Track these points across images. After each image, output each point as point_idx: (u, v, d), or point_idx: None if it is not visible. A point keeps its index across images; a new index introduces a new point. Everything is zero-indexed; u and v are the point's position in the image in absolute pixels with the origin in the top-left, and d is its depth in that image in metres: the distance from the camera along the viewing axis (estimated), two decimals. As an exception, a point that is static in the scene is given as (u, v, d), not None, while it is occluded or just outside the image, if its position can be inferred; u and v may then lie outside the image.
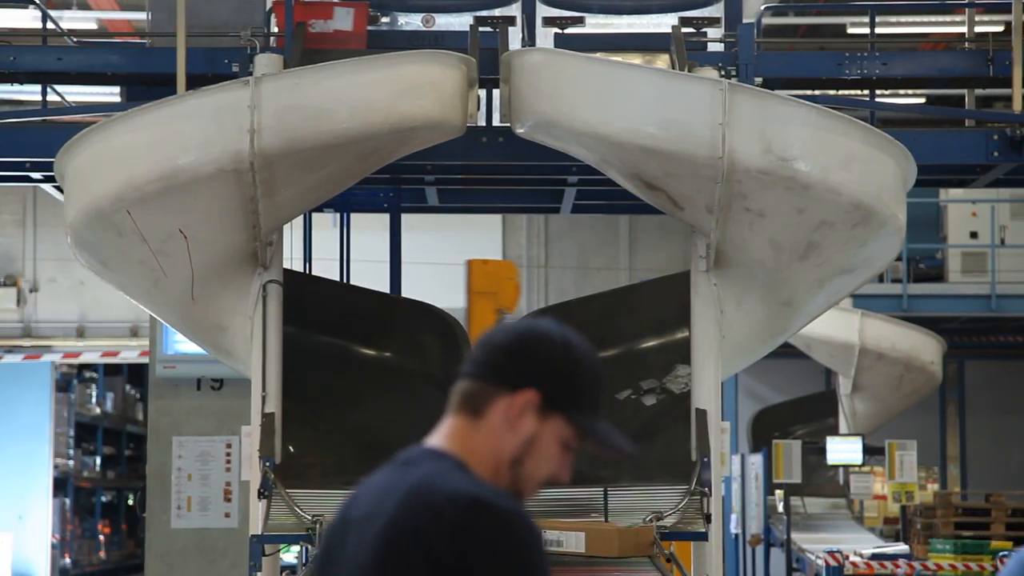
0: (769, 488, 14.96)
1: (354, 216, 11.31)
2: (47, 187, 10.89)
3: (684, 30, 9.17)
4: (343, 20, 8.88)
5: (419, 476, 2.66)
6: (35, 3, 11.93)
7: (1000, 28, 16.15)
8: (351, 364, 8.68)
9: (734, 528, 16.18)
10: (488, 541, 2.55)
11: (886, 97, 16.02)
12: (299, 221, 10.04)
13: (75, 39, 11.14)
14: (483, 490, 2.61)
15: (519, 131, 7.75)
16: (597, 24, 9.57)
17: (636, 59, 9.06)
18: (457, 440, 2.74)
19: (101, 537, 20.59)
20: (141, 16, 16.25)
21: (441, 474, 2.65)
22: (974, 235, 18.09)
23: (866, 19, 16.90)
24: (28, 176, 10.17)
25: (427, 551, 2.56)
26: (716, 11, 9.47)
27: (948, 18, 17.71)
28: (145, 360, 13.81)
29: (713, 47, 9.37)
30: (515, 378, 2.73)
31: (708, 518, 7.61)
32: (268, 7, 10.01)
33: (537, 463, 2.72)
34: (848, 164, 7.43)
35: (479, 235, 20.82)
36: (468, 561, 2.54)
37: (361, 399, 8.60)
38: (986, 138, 9.59)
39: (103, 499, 21.13)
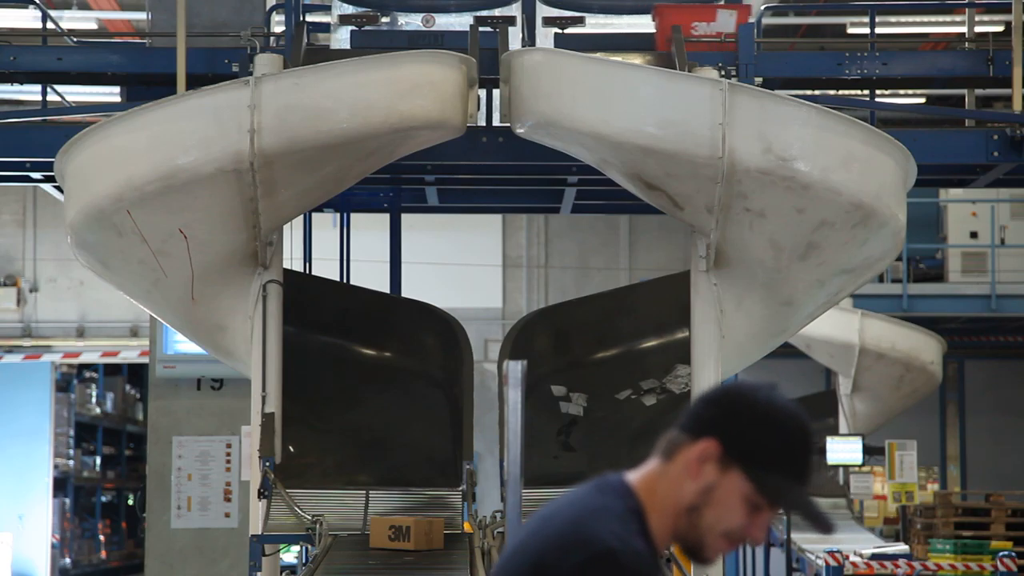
0: (769, 488, 14.93)
1: (354, 216, 11.31)
2: (47, 187, 10.89)
3: (684, 30, 9.17)
4: (726, 23, 8.89)
5: (587, 508, 2.67)
6: (35, 3, 11.93)
7: (1000, 28, 16.16)
8: (351, 364, 8.68)
9: (734, 528, 16.16)
10: None
11: (886, 97, 16.02)
12: (299, 221, 10.04)
13: (75, 39, 11.14)
14: (625, 544, 2.60)
15: (519, 131, 7.75)
16: (597, 24, 9.57)
17: (636, 59, 9.06)
18: (646, 479, 2.73)
19: (101, 537, 20.60)
20: (141, 16, 16.25)
21: (604, 513, 2.65)
22: (974, 235, 18.09)
23: (866, 19, 16.90)
24: (28, 176, 10.17)
25: (528, 565, 2.61)
26: (716, 11, 9.46)
27: (948, 18, 17.70)
28: (145, 360, 13.82)
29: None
30: (701, 426, 2.71)
31: (708, 518, 7.60)
32: (268, 7, 10.02)
33: (716, 515, 2.69)
34: (848, 164, 7.43)
35: (479, 235, 20.82)
36: None
37: (361, 399, 8.61)
38: (986, 138, 9.59)
39: (103, 499, 21.13)
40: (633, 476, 2.75)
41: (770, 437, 2.70)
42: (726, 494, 2.68)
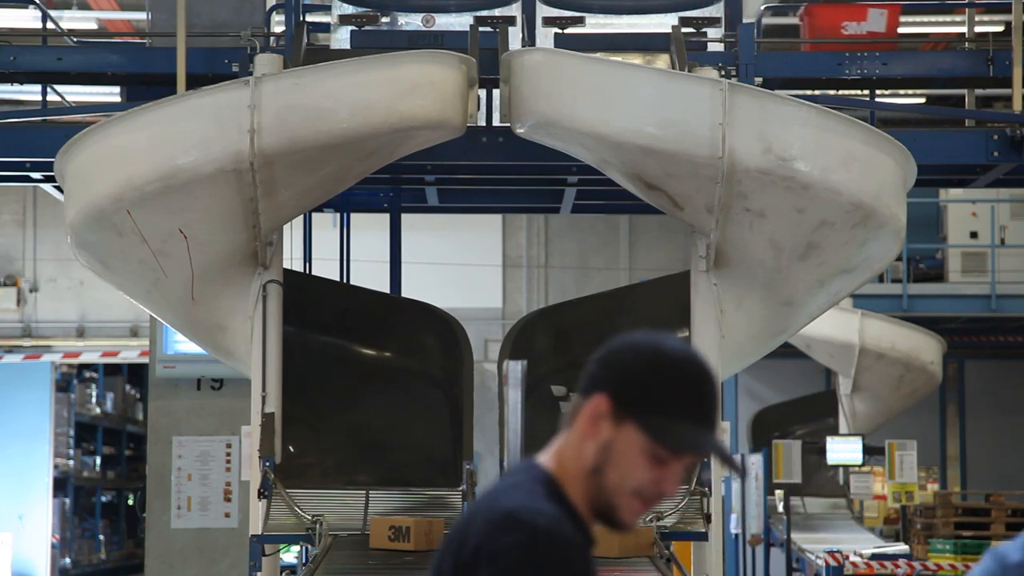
0: (769, 488, 14.95)
1: (354, 216, 11.31)
2: (47, 187, 10.89)
3: (684, 30, 9.17)
4: (877, 22, 8.84)
5: (496, 487, 2.68)
6: (35, 3, 11.93)
7: (1000, 28, 16.16)
8: (351, 364, 8.68)
9: (734, 528, 16.17)
10: (499, 552, 2.53)
11: (886, 97, 16.02)
12: (299, 221, 10.04)
13: (75, 39, 11.14)
14: (525, 505, 2.57)
15: (519, 131, 7.75)
16: (597, 24, 9.57)
17: (636, 59, 9.06)
18: (555, 452, 2.69)
19: (101, 537, 20.59)
20: (141, 16, 16.25)
21: (509, 487, 2.63)
22: (974, 235, 18.08)
23: (866, 19, 16.88)
24: (28, 176, 10.17)
25: (456, 557, 2.62)
26: (716, 11, 9.47)
27: (948, 18, 17.70)
28: (145, 360, 13.81)
29: (713, 47, 9.37)
30: (591, 384, 2.65)
31: (708, 518, 7.61)
32: (268, 7, 10.02)
33: (620, 473, 2.62)
34: (848, 164, 7.43)
35: (479, 235, 20.82)
36: (478, 568, 2.56)
37: (361, 399, 8.61)
38: (986, 138, 9.59)
39: (103, 499, 21.13)
40: (543, 453, 2.71)
41: (657, 382, 2.60)
42: (625, 449, 2.60)
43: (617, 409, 2.61)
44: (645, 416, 2.60)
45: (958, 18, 16.76)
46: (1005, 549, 2.74)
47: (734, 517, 16.13)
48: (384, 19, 9.46)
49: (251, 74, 8.07)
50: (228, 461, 11.49)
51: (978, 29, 11.61)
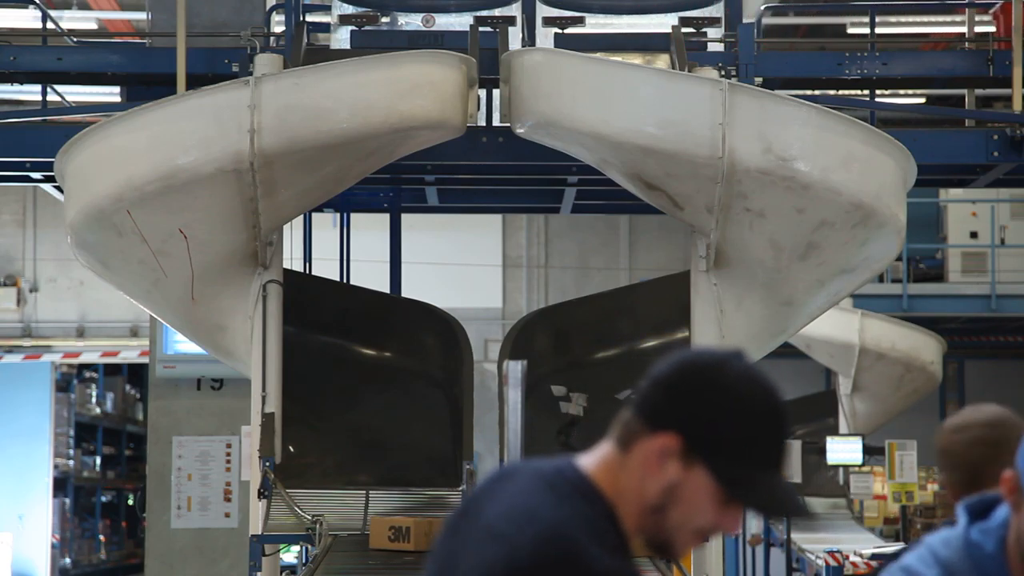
0: (769, 488, 14.92)
1: (354, 216, 11.31)
2: (47, 187, 10.89)
3: (684, 30, 9.17)
4: None
5: (561, 521, 2.39)
6: (35, 3, 11.93)
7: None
8: (351, 364, 8.68)
9: (734, 528, 16.15)
10: None
11: (886, 97, 16.02)
12: (299, 221, 10.04)
13: (75, 39, 11.14)
14: (597, 559, 2.36)
15: (519, 131, 7.75)
16: (597, 24, 9.57)
17: (636, 59, 9.06)
18: (609, 474, 2.47)
19: (101, 537, 20.59)
20: (141, 16, 16.25)
21: (580, 522, 2.40)
22: (974, 235, 18.08)
23: (866, 19, 16.90)
24: (28, 176, 10.17)
25: (511, 566, 2.37)
26: (716, 11, 9.47)
27: (948, 18, 17.70)
28: (145, 360, 13.81)
29: (713, 47, 9.37)
30: (659, 417, 2.42)
31: (708, 518, 7.60)
32: (268, 7, 10.02)
33: (684, 514, 2.43)
34: (848, 164, 7.43)
35: (479, 235, 20.82)
36: None
37: (361, 399, 8.60)
38: (986, 138, 9.59)
39: (103, 499, 21.13)
40: (591, 466, 2.48)
41: (736, 427, 2.41)
42: (692, 493, 2.42)
43: (687, 451, 2.41)
44: (717, 463, 2.41)
45: (958, 18, 16.76)
46: (910, 564, 2.64)
47: (734, 517, 16.12)
48: (384, 19, 9.46)
49: (251, 74, 8.07)
50: (228, 461, 11.49)
51: (978, 29, 11.60)
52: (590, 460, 2.50)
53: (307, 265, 10.75)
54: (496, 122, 8.46)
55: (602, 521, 2.42)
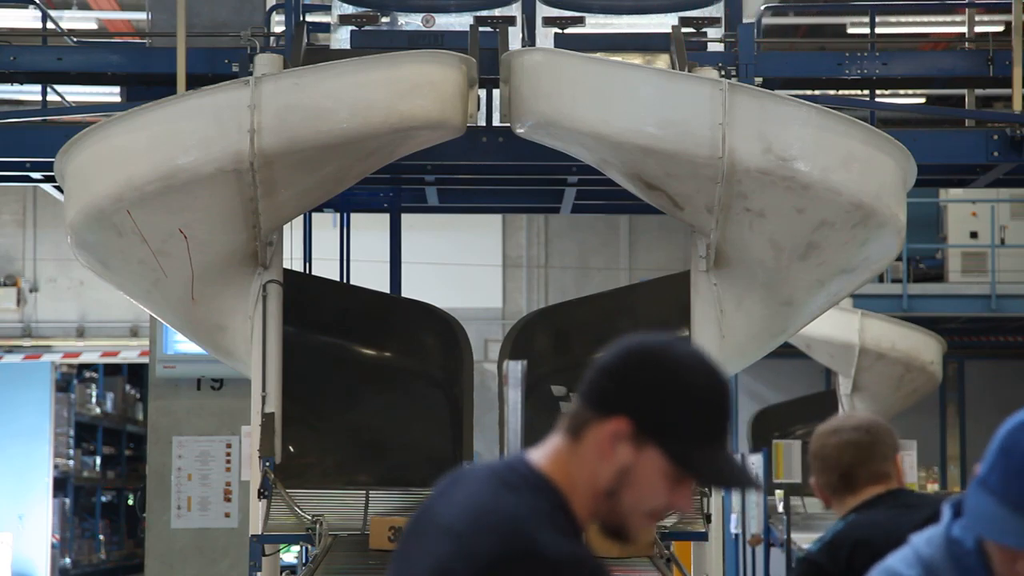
0: (769, 488, 14.94)
1: (354, 216, 11.31)
2: (47, 187, 10.89)
3: (684, 30, 9.17)
4: None
5: (514, 515, 2.44)
6: (35, 3, 11.93)
7: (1000, 28, 16.16)
8: (351, 364, 8.68)
9: (734, 528, 16.17)
10: None
11: (886, 97, 16.02)
12: (299, 221, 10.04)
13: (75, 39, 11.15)
14: (566, 555, 2.41)
15: (519, 131, 7.75)
16: (597, 24, 9.57)
17: (636, 59, 9.06)
18: (559, 463, 2.53)
19: (101, 537, 20.59)
20: (141, 16, 16.25)
21: (532, 513, 2.45)
22: (974, 235, 18.08)
23: (866, 19, 16.90)
24: (28, 176, 10.17)
25: (471, 567, 2.43)
26: (716, 11, 9.47)
27: (948, 18, 17.70)
28: (145, 360, 13.82)
29: (713, 47, 9.37)
30: (608, 402, 2.50)
31: (708, 518, 7.61)
32: (268, 7, 10.02)
33: (638, 496, 2.50)
34: (848, 164, 7.43)
35: (479, 235, 20.82)
36: None
37: (361, 399, 8.60)
38: (986, 138, 9.59)
39: (103, 499, 21.13)
40: (541, 459, 2.54)
41: (683, 407, 2.48)
42: (645, 474, 2.49)
43: (638, 433, 2.48)
44: (668, 442, 2.48)
45: (958, 18, 16.76)
46: (893, 564, 2.65)
47: (734, 517, 16.14)
48: (384, 19, 9.46)
49: (251, 74, 8.07)
50: (228, 461, 11.50)
51: (978, 29, 11.60)
52: (540, 453, 2.56)
53: (307, 265, 10.75)
54: (496, 122, 8.46)
55: (554, 510, 2.48)
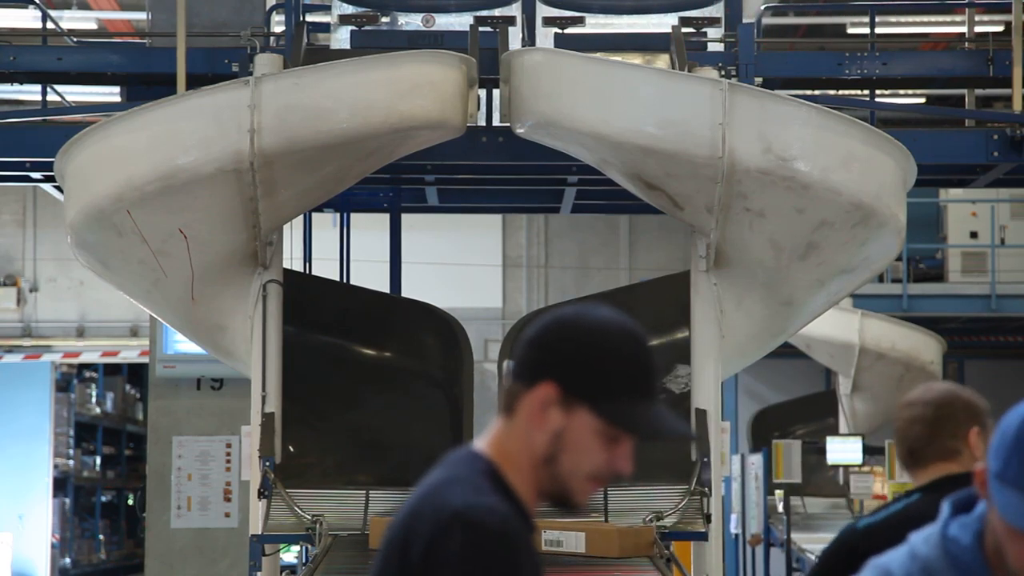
0: (769, 488, 14.95)
1: (354, 216, 11.31)
2: (47, 187, 10.89)
3: (684, 30, 9.17)
4: None
5: (437, 481, 2.60)
6: (35, 3, 11.93)
7: (1000, 28, 16.16)
8: (351, 364, 8.68)
9: (734, 528, 16.18)
10: (451, 558, 2.47)
11: (886, 97, 16.02)
12: (299, 221, 10.04)
13: (75, 39, 11.15)
14: (474, 504, 2.51)
15: (519, 131, 7.75)
16: (597, 24, 9.57)
17: (636, 59, 9.06)
18: (495, 441, 2.62)
19: (101, 537, 20.59)
20: (141, 16, 16.25)
21: (453, 482, 2.57)
22: (974, 235, 18.08)
23: (866, 19, 16.90)
24: (28, 176, 10.17)
25: (403, 558, 2.54)
26: (716, 11, 9.47)
27: (948, 18, 17.71)
28: (145, 360, 13.81)
29: (713, 47, 9.37)
30: (534, 372, 2.58)
31: (708, 518, 7.61)
32: (268, 7, 10.02)
33: (575, 460, 2.56)
34: (848, 164, 7.43)
35: (479, 235, 20.82)
36: (429, 571, 2.49)
37: (361, 399, 8.60)
38: (986, 138, 9.59)
39: (103, 499, 21.12)
40: (481, 441, 2.64)
41: (606, 365, 2.55)
42: (578, 435, 2.55)
43: (566, 396, 2.55)
44: (597, 400, 2.55)
45: (958, 18, 16.77)
46: (887, 563, 2.64)
47: (734, 517, 16.15)
48: (384, 19, 9.46)
49: (251, 74, 8.07)
50: (228, 461, 11.49)
51: (978, 29, 11.61)
52: (481, 437, 2.66)
53: (307, 265, 10.75)
54: (496, 122, 8.46)
55: (479, 476, 2.56)
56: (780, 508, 15.24)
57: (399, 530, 2.58)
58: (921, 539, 2.59)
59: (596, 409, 2.55)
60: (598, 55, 8.51)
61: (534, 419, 2.57)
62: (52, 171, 8.37)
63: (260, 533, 7.64)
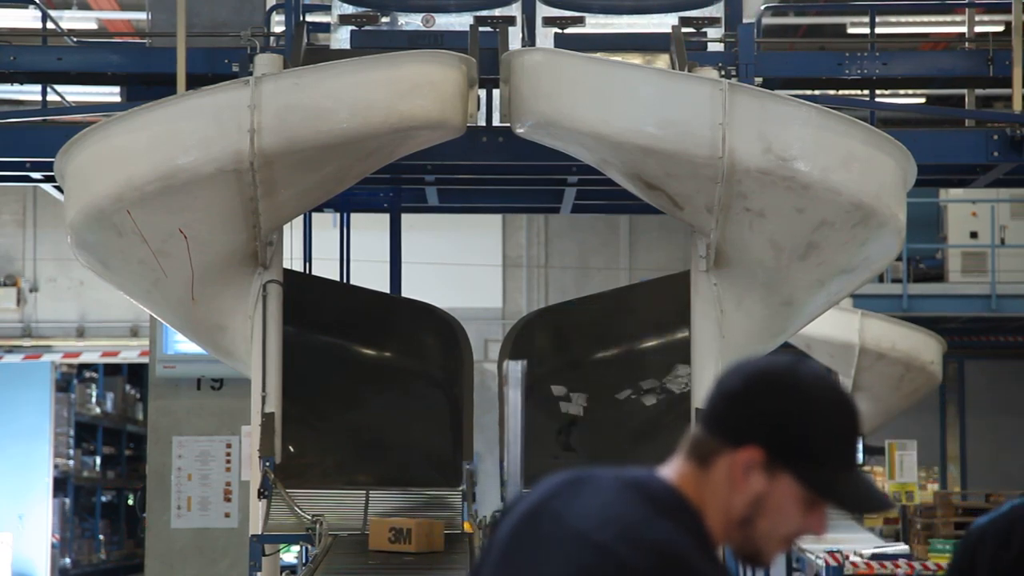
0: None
1: (354, 216, 11.31)
2: (47, 187, 10.89)
3: (684, 30, 9.17)
4: None
5: (665, 541, 2.41)
6: (35, 3, 11.93)
7: (1000, 28, 16.16)
8: (351, 364, 8.68)
9: (734, 528, 16.17)
10: None
11: (886, 97, 16.02)
12: (299, 221, 10.04)
13: (75, 39, 11.15)
14: (696, 555, 2.41)
15: (519, 131, 7.75)
16: (597, 24, 9.57)
17: (636, 59, 9.06)
18: (692, 489, 2.50)
19: (101, 537, 20.60)
20: (141, 16, 16.25)
21: (688, 550, 2.41)
22: (974, 235, 18.09)
23: (866, 19, 16.90)
24: (28, 176, 10.17)
25: None
26: (716, 11, 9.47)
27: (948, 18, 17.71)
28: (145, 360, 13.82)
29: (713, 47, 9.37)
30: (739, 432, 2.46)
31: (708, 518, 7.60)
32: (268, 7, 10.02)
33: (772, 524, 2.47)
34: (848, 164, 7.43)
35: (479, 235, 20.82)
36: None
37: (361, 399, 8.61)
38: (986, 138, 9.59)
39: (103, 499, 21.14)
40: (675, 480, 2.51)
41: (816, 431, 2.45)
42: (780, 501, 2.47)
43: (771, 461, 2.45)
44: (803, 469, 2.46)
45: (958, 18, 16.77)
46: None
47: (734, 517, 16.13)
48: (384, 19, 9.46)
49: (251, 74, 8.07)
50: (228, 461, 11.50)
51: (978, 29, 11.61)
52: (671, 474, 2.52)
53: (307, 265, 10.75)
54: (496, 122, 8.46)
55: (703, 539, 2.45)
56: (780, 508, 15.23)
57: (590, 551, 2.39)
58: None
59: (802, 478, 2.46)
60: (598, 55, 8.51)
61: (736, 482, 2.47)
62: (52, 171, 8.37)
63: (260, 533, 7.64)
